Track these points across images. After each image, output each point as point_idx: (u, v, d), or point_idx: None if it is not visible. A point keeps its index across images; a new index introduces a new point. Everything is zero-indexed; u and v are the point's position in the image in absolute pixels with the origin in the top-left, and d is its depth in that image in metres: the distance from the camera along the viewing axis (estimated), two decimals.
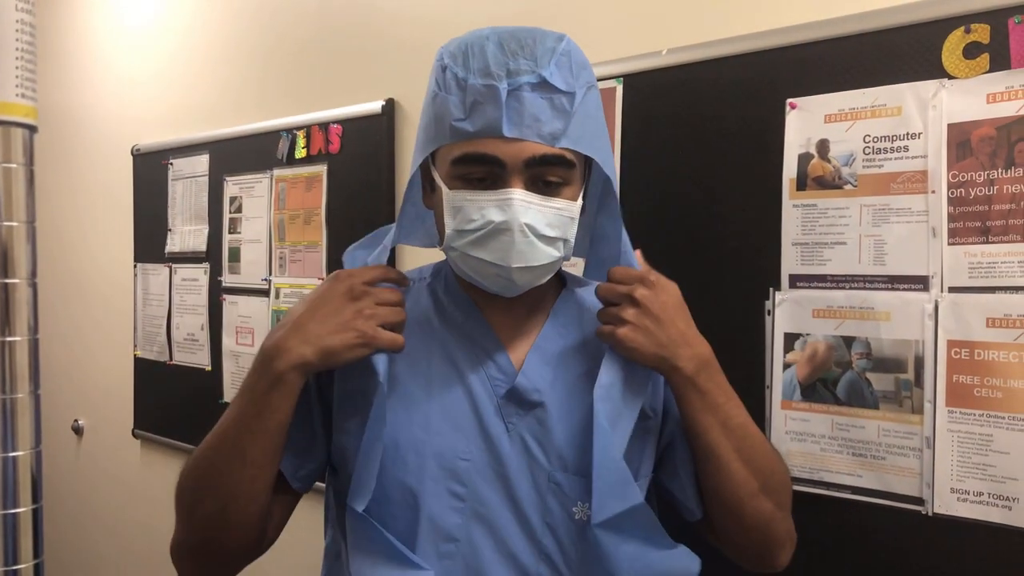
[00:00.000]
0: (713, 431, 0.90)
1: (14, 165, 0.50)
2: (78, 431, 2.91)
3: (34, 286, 0.53)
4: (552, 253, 0.87)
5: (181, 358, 2.40)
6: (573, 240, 0.90)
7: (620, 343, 0.87)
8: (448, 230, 0.87)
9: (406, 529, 0.88)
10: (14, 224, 0.51)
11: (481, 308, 0.96)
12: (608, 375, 0.89)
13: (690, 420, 0.91)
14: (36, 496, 0.53)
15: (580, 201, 0.90)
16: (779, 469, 0.98)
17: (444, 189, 0.87)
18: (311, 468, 0.96)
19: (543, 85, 0.82)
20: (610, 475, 0.85)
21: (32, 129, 0.51)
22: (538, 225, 0.84)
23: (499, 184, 0.84)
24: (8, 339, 0.51)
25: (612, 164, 0.92)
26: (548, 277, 0.92)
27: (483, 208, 0.84)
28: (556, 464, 0.90)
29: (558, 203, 0.86)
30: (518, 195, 0.83)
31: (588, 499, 0.87)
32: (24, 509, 0.53)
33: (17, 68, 0.50)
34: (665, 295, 0.90)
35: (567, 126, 0.84)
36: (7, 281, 0.51)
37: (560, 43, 0.85)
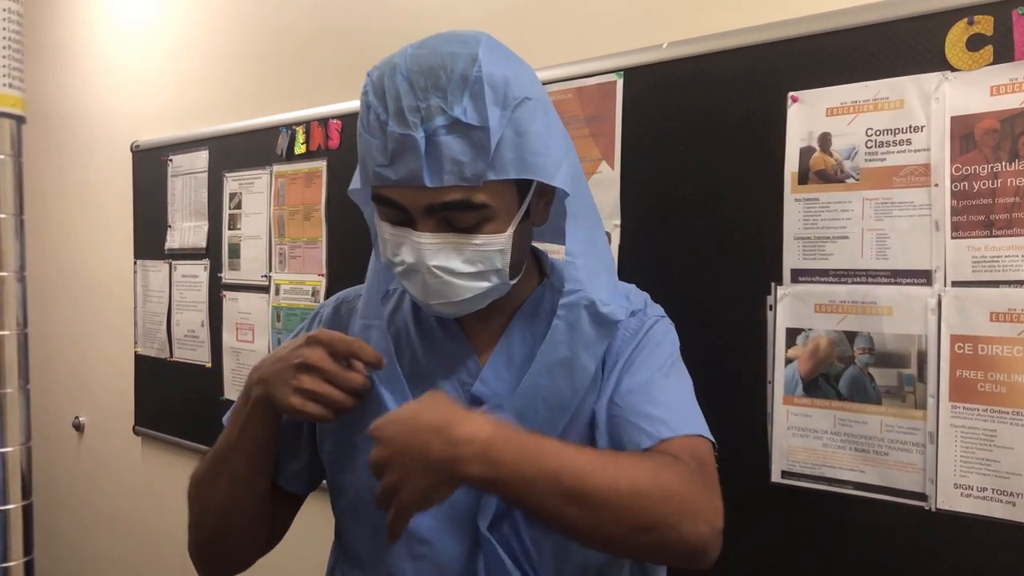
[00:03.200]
0: (530, 497, 0.74)
1: (1, 156, 0.50)
2: (79, 428, 2.91)
3: (23, 280, 0.52)
4: (478, 286, 0.85)
5: (181, 355, 2.40)
6: (507, 266, 0.85)
7: (406, 510, 0.75)
8: (381, 256, 0.89)
9: (378, 531, 0.87)
10: (1, 216, 0.50)
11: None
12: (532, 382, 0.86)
13: (517, 506, 0.79)
14: (26, 492, 0.53)
15: (511, 229, 0.84)
16: (648, 491, 0.75)
17: (376, 217, 0.88)
18: (296, 468, 0.99)
19: (457, 125, 0.78)
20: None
21: (20, 120, 0.50)
22: (452, 265, 0.82)
23: (410, 223, 0.83)
24: None
25: (564, 170, 0.85)
26: (488, 300, 0.88)
27: (399, 245, 0.84)
28: None
29: (477, 239, 0.83)
30: (425, 239, 0.82)
31: None
32: (14, 506, 0.52)
33: (4, 58, 0.49)
34: (393, 428, 0.75)
35: (491, 159, 0.79)
36: None
37: (472, 67, 0.79)
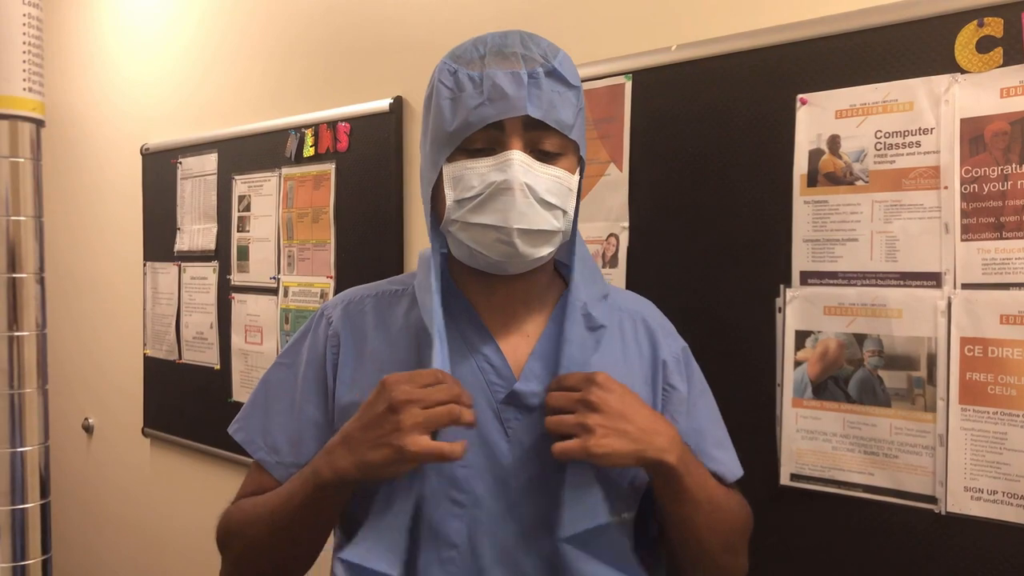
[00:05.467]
0: (693, 518, 0.90)
1: (22, 159, 0.50)
2: (88, 430, 2.92)
3: (42, 281, 0.53)
4: (551, 220, 0.87)
5: (190, 357, 2.40)
6: (572, 213, 0.91)
7: (593, 454, 0.81)
8: (448, 202, 0.88)
9: (407, 536, 0.88)
10: (22, 219, 0.51)
11: (479, 310, 0.95)
12: None
13: (672, 511, 0.90)
14: (44, 492, 0.53)
15: (577, 176, 0.92)
16: (739, 519, 0.99)
17: (444, 169, 0.88)
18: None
19: (555, 75, 0.86)
20: (581, 491, 0.85)
21: (39, 123, 0.51)
22: (537, 188, 0.85)
23: (498, 149, 0.86)
24: (16, 334, 0.51)
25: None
26: (548, 252, 0.90)
27: (483, 173, 0.86)
28: (555, 467, 0.88)
29: (555, 170, 0.88)
30: (518, 156, 0.85)
31: None
32: (32, 505, 0.53)
33: (24, 63, 0.49)
34: (619, 389, 0.85)
35: (575, 120, 0.88)
36: (15, 276, 0.51)
37: (556, 48, 0.89)
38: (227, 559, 0.96)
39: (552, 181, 0.87)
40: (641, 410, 0.86)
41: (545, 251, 0.90)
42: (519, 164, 0.84)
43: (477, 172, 0.86)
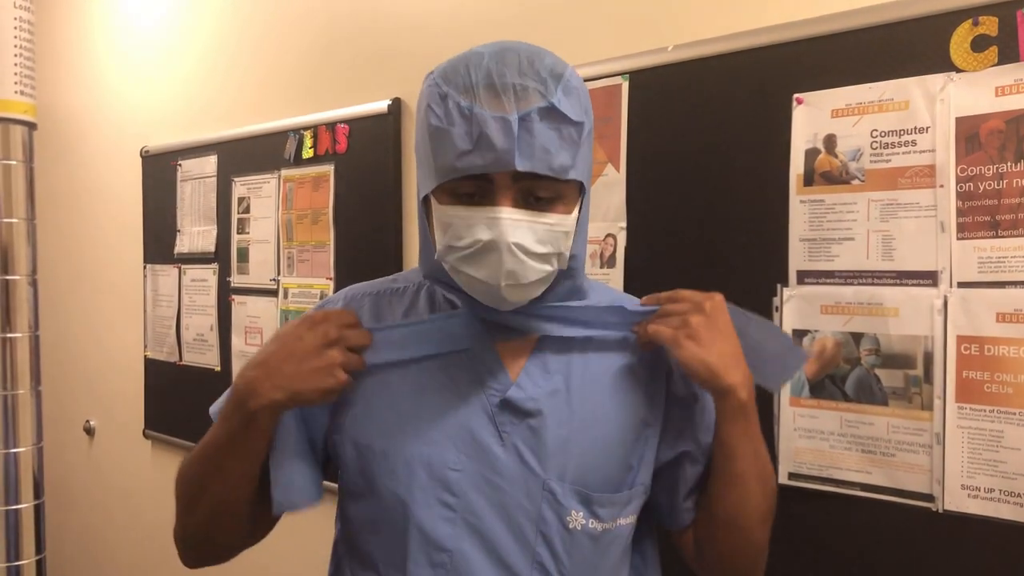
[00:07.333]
0: (747, 458, 0.91)
1: (13, 162, 0.50)
2: (89, 432, 2.92)
3: (34, 283, 0.53)
4: (544, 269, 0.84)
5: (191, 358, 2.41)
6: (568, 252, 0.87)
7: (681, 348, 0.87)
8: (439, 245, 0.86)
9: (398, 538, 0.88)
10: (14, 221, 0.51)
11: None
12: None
13: (728, 445, 0.91)
14: (38, 492, 0.54)
15: (575, 214, 0.87)
16: (775, 490, 0.98)
17: (434, 202, 0.85)
18: (300, 483, 0.95)
19: (553, 113, 0.79)
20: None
21: (31, 126, 0.51)
22: (528, 243, 0.81)
23: (487, 200, 0.81)
24: (9, 336, 0.52)
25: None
26: (541, 291, 0.88)
27: (472, 225, 0.81)
28: (551, 473, 0.88)
29: (550, 218, 0.83)
30: (506, 213, 0.80)
31: (583, 509, 0.88)
32: (26, 505, 0.53)
33: (16, 65, 0.50)
34: (726, 318, 0.91)
35: (575, 159, 0.82)
36: (7, 278, 0.51)
37: (565, 69, 0.82)
38: (176, 509, 0.96)
39: (545, 231, 0.83)
40: (735, 343, 0.90)
41: (538, 292, 0.88)
42: (508, 222, 0.80)
43: (465, 223, 0.82)
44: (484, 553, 0.87)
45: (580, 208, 0.87)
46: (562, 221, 0.84)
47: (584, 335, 0.93)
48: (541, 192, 0.82)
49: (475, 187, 0.81)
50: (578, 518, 0.88)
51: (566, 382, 0.92)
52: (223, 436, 0.89)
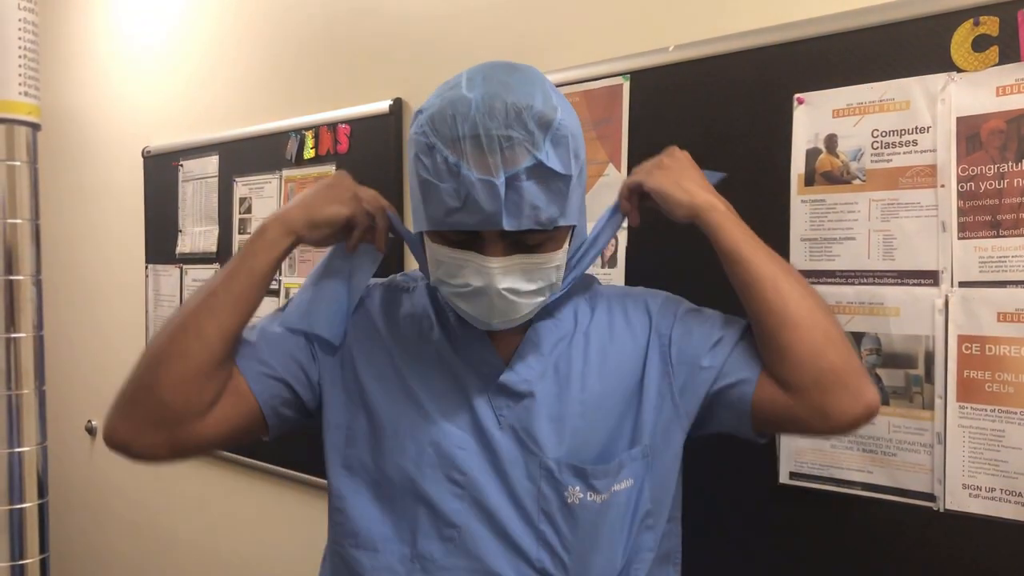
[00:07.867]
0: (758, 254, 0.93)
1: (18, 163, 0.51)
2: (91, 432, 2.93)
3: (38, 283, 0.53)
4: (535, 302, 0.89)
5: None
6: (560, 279, 0.90)
7: (652, 177, 0.96)
8: (432, 276, 0.90)
9: (408, 513, 0.91)
10: (18, 222, 0.51)
11: None
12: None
13: (735, 251, 0.93)
14: (42, 492, 0.54)
15: (566, 244, 0.89)
16: (831, 312, 0.94)
17: (427, 238, 0.88)
18: (279, 400, 0.95)
19: (540, 169, 0.80)
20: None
21: (35, 127, 0.52)
22: (518, 285, 0.85)
23: (477, 245, 0.84)
24: (13, 336, 0.52)
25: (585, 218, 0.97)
26: (531, 314, 0.92)
27: (462, 267, 0.84)
28: (547, 451, 0.91)
29: (540, 257, 0.86)
30: (495, 263, 0.83)
31: (579, 483, 0.89)
32: (30, 504, 0.53)
33: (20, 67, 0.50)
34: (689, 158, 1.00)
35: (564, 207, 0.84)
36: (12, 278, 0.52)
37: (552, 111, 0.81)
38: (131, 371, 0.90)
39: (536, 270, 0.86)
40: (702, 174, 0.99)
41: (528, 317, 0.91)
42: (497, 271, 0.83)
43: (456, 264, 0.85)
44: (490, 529, 0.90)
45: (570, 240, 0.91)
46: (552, 258, 0.87)
47: (572, 317, 0.98)
48: (530, 240, 0.84)
49: (465, 235, 0.84)
50: (576, 493, 0.90)
51: (556, 362, 0.95)
52: (221, 273, 0.91)
